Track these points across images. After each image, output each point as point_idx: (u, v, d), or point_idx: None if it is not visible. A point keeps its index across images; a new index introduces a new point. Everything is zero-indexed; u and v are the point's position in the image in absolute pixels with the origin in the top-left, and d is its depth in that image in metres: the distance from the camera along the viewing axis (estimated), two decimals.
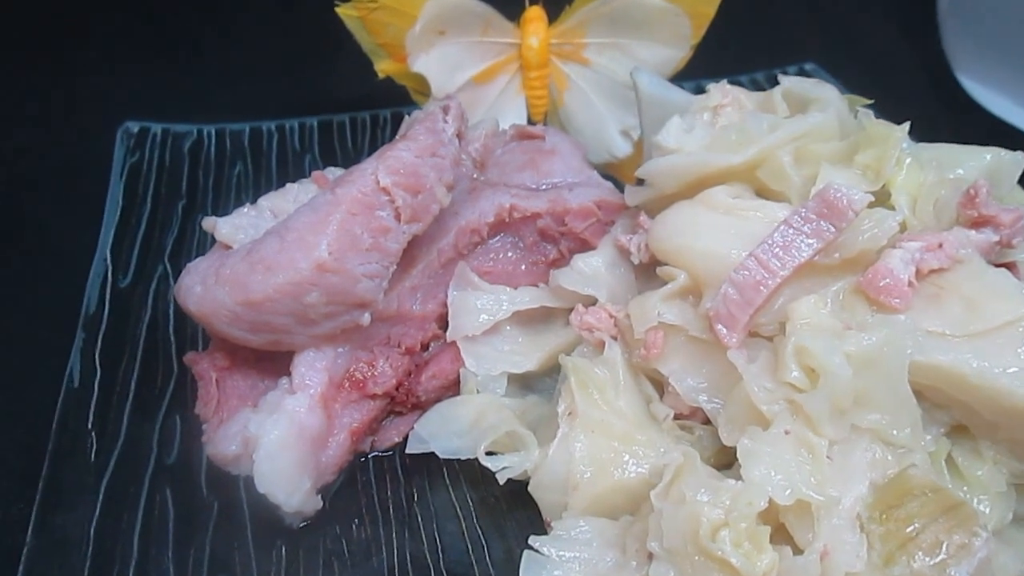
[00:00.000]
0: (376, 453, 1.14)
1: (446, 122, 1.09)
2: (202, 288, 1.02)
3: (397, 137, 1.08)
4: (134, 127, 1.67)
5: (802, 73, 2.02)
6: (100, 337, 1.24)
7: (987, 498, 0.94)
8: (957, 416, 0.95)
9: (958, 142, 1.89)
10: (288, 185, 1.17)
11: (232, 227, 1.11)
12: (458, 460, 1.10)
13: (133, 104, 1.73)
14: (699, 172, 1.06)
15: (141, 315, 1.30)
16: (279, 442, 0.98)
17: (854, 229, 0.96)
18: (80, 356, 1.20)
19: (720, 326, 0.96)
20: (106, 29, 2.05)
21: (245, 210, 1.14)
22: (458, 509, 1.08)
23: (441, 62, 1.52)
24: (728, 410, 0.95)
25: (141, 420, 1.14)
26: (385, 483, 1.11)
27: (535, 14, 1.55)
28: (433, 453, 1.09)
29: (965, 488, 0.95)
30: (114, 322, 1.27)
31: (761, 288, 0.94)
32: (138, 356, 1.23)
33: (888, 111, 1.80)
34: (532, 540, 0.93)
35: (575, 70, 1.58)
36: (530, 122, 1.61)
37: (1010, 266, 1.04)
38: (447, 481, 1.11)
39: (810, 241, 0.94)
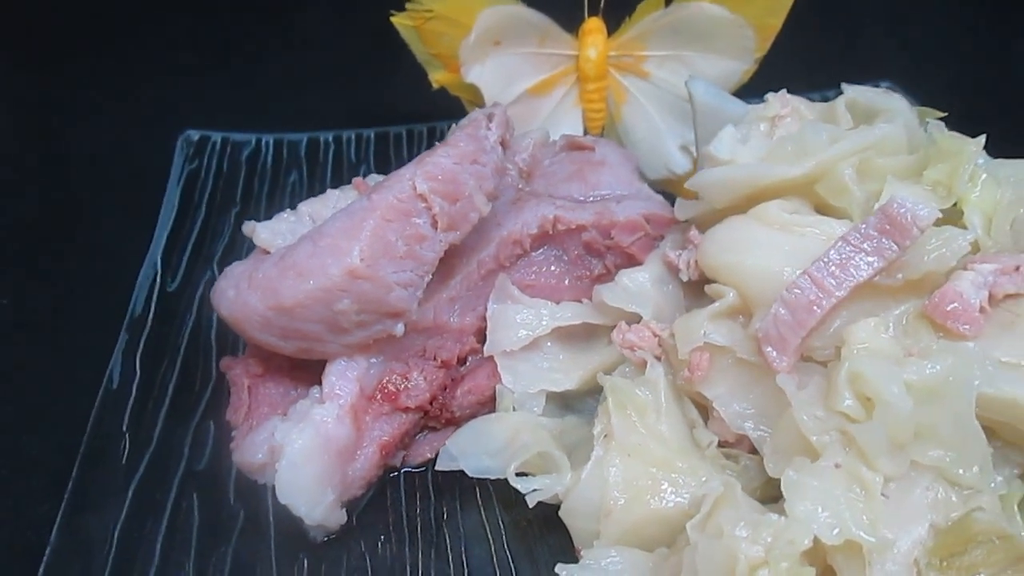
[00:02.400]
0: (407, 469, 1.11)
1: (489, 129, 1.06)
2: (235, 292, 1.00)
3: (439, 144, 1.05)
4: (195, 135, 1.69)
5: None
6: (143, 340, 1.24)
7: None
8: None
9: None
10: (329, 191, 1.15)
11: (271, 232, 1.10)
12: (491, 480, 1.05)
13: (196, 113, 1.75)
14: (753, 185, 1.00)
15: (185, 320, 1.29)
16: (303, 452, 0.95)
17: (920, 248, 0.89)
18: (121, 358, 1.20)
19: (769, 348, 0.90)
20: (173, 41, 2.10)
21: (285, 215, 1.12)
22: (488, 531, 1.03)
23: (496, 73, 1.49)
24: (775, 439, 0.89)
25: (175, 424, 1.13)
26: (415, 500, 1.07)
27: (594, 25, 1.51)
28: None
29: None
30: (158, 326, 1.27)
31: (815, 309, 0.88)
32: (178, 360, 1.23)
33: (968, 132, 1.71)
34: (559, 569, 0.87)
35: (634, 83, 1.54)
36: (586, 134, 1.57)
37: None
38: (479, 501, 1.07)
39: (870, 259, 0.87)
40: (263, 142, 1.72)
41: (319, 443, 0.97)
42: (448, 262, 1.10)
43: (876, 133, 0.99)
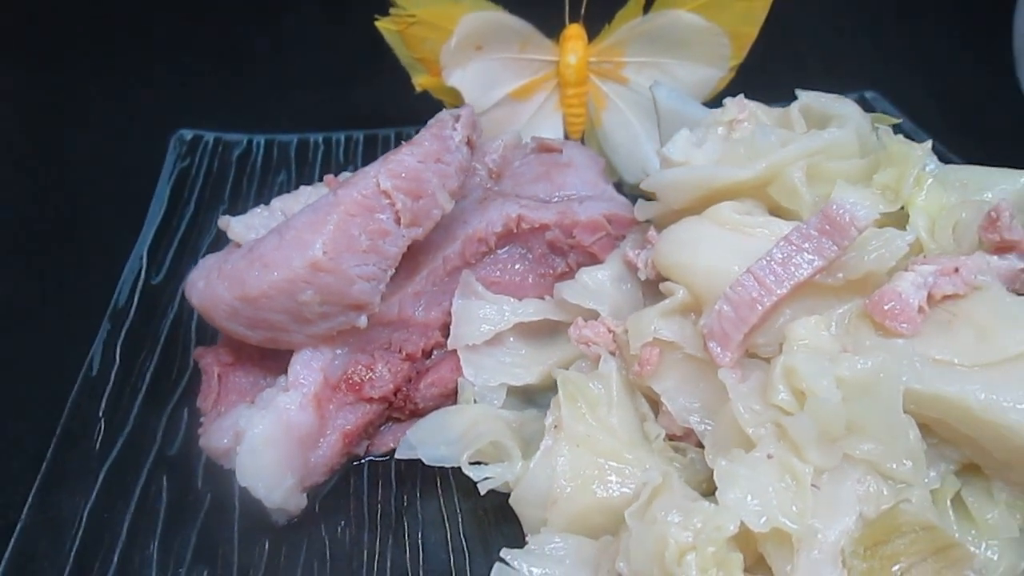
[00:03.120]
0: (371, 458, 1.14)
1: (454, 130, 1.09)
2: (205, 283, 1.04)
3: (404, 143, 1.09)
4: (187, 134, 1.74)
5: (863, 101, 1.95)
6: (124, 330, 1.28)
7: (996, 544, 0.87)
8: (968, 454, 0.89)
9: None
10: (302, 187, 1.19)
11: (244, 226, 1.14)
12: (453, 470, 1.08)
13: (190, 113, 1.79)
14: (706, 186, 1.03)
15: (167, 312, 1.33)
16: (263, 437, 0.98)
17: (861, 249, 0.91)
18: (102, 346, 1.24)
19: (713, 344, 0.92)
20: (170, 42, 2.15)
21: (259, 211, 1.16)
22: (446, 519, 1.06)
23: (477, 77, 1.53)
24: (715, 431, 0.92)
25: (150, 411, 1.17)
26: (377, 488, 1.10)
27: (574, 32, 1.54)
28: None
29: (973, 532, 0.88)
30: (140, 317, 1.31)
31: (756, 306, 0.90)
32: (157, 350, 1.26)
33: (955, 142, 1.73)
34: (504, 553, 0.90)
35: (613, 89, 1.57)
36: (566, 139, 1.60)
37: None
38: (439, 490, 1.10)
39: (810, 258, 0.90)
40: (254, 142, 1.76)
41: (280, 429, 1.00)
42: (414, 258, 1.13)
43: (825, 137, 1.01)
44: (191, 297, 1.06)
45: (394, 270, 1.05)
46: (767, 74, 1.50)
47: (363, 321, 1.05)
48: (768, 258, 0.91)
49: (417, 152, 1.05)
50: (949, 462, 0.90)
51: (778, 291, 0.90)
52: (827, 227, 0.89)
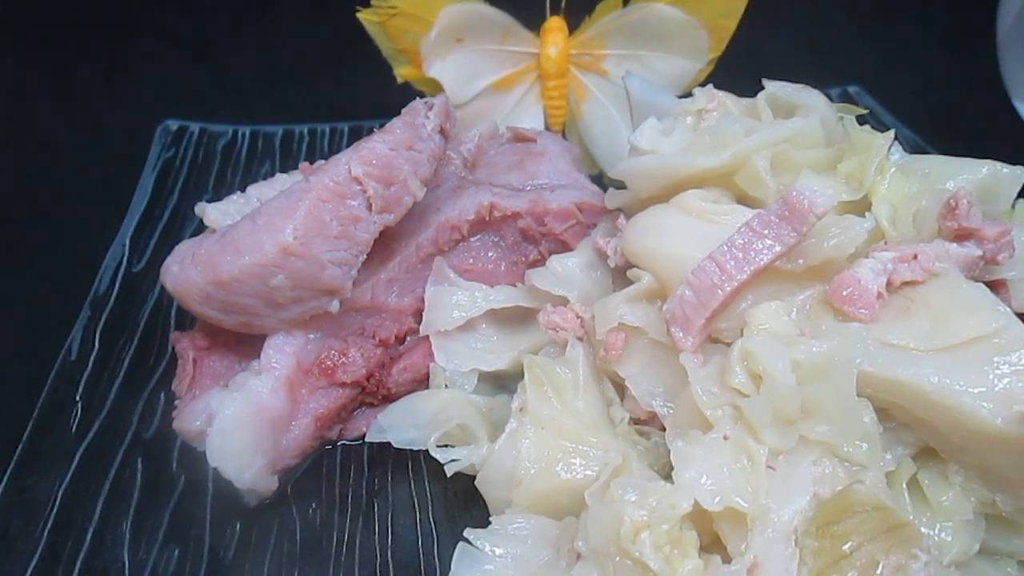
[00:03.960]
0: (344, 442, 1.15)
1: (427, 118, 1.10)
2: (179, 267, 1.06)
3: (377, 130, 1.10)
4: (173, 125, 1.76)
5: (846, 95, 1.97)
6: (104, 316, 1.30)
7: (951, 525, 0.89)
8: (924, 437, 0.90)
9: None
10: (278, 175, 1.21)
11: (220, 213, 1.15)
12: (425, 455, 1.10)
13: (177, 103, 1.81)
14: (673, 175, 1.04)
15: (147, 298, 1.35)
16: (234, 419, 1.00)
17: (821, 235, 0.93)
18: (82, 332, 1.26)
19: (676, 328, 0.94)
20: (158, 33, 2.16)
21: (234, 197, 1.18)
22: (416, 502, 1.08)
23: (457, 69, 1.54)
24: (676, 414, 0.93)
25: (127, 395, 1.19)
26: (349, 472, 1.12)
27: (555, 24, 1.56)
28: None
29: (928, 514, 0.89)
30: (120, 303, 1.33)
31: (717, 291, 0.92)
32: (136, 336, 1.28)
33: (936, 137, 1.74)
34: (468, 533, 0.92)
35: (593, 81, 1.58)
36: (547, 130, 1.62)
37: (998, 284, 0.98)
38: (410, 474, 1.11)
39: (770, 244, 0.91)
40: (239, 133, 1.78)
41: (252, 411, 1.01)
42: (388, 245, 1.15)
43: (790, 127, 1.03)
44: (166, 282, 1.07)
45: (365, 256, 1.06)
46: (752, 68, 1.51)
47: (335, 306, 1.06)
48: (729, 244, 0.92)
49: (389, 140, 1.07)
50: (906, 446, 0.91)
51: (739, 276, 0.91)
52: (787, 213, 0.91)
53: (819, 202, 0.89)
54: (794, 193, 0.90)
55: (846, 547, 0.79)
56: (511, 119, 1.59)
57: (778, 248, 0.91)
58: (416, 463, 1.12)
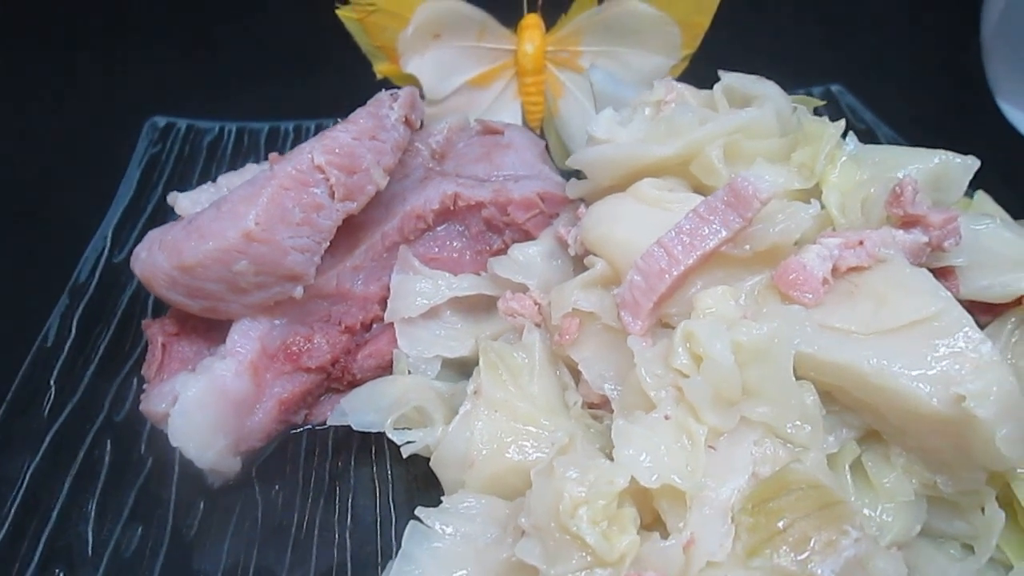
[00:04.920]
0: (310, 426, 1.17)
1: (391, 108, 1.13)
2: (147, 253, 1.08)
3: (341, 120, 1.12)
4: (161, 121, 1.80)
5: (827, 94, 1.98)
6: (83, 304, 1.33)
7: (892, 507, 0.90)
8: (868, 420, 0.92)
9: (991, 167, 1.83)
10: (248, 165, 1.24)
11: (191, 201, 1.18)
12: (389, 440, 1.11)
13: (165, 100, 1.84)
14: (629, 164, 1.06)
15: (126, 288, 1.37)
16: (196, 400, 1.02)
17: (768, 221, 0.94)
18: (59, 319, 1.29)
19: (625, 312, 0.96)
20: (148, 30, 2.20)
21: (206, 187, 1.21)
22: (376, 485, 1.10)
23: (435, 65, 1.57)
24: (623, 396, 0.95)
25: (100, 381, 1.21)
26: (313, 455, 1.14)
27: (531, 21, 1.58)
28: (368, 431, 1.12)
29: (871, 495, 0.91)
30: (99, 292, 1.36)
31: (665, 276, 0.93)
32: (113, 324, 1.31)
33: (921, 136, 1.75)
34: (419, 511, 0.94)
35: (570, 77, 1.60)
36: (528, 127, 1.64)
37: (947, 271, 1.00)
38: (372, 458, 1.13)
39: (716, 229, 0.93)
40: (226, 130, 1.81)
41: (214, 393, 1.04)
42: (354, 234, 1.17)
43: (743, 116, 1.04)
44: (134, 267, 1.10)
45: (328, 243, 1.09)
46: (735, 66, 1.52)
47: (299, 292, 1.09)
48: (677, 230, 0.94)
49: (352, 129, 1.09)
50: (850, 428, 0.93)
51: (685, 261, 0.93)
52: (732, 199, 0.92)
53: (763, 188, 0.91)
54: (739, 179, 0.92)
55: (780, 523, 0.80)
56: (489, 115, 1.62)
57: (724, 233, 0.93)
58: (379, 447, 1.14)
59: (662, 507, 0.85)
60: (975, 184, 1.53)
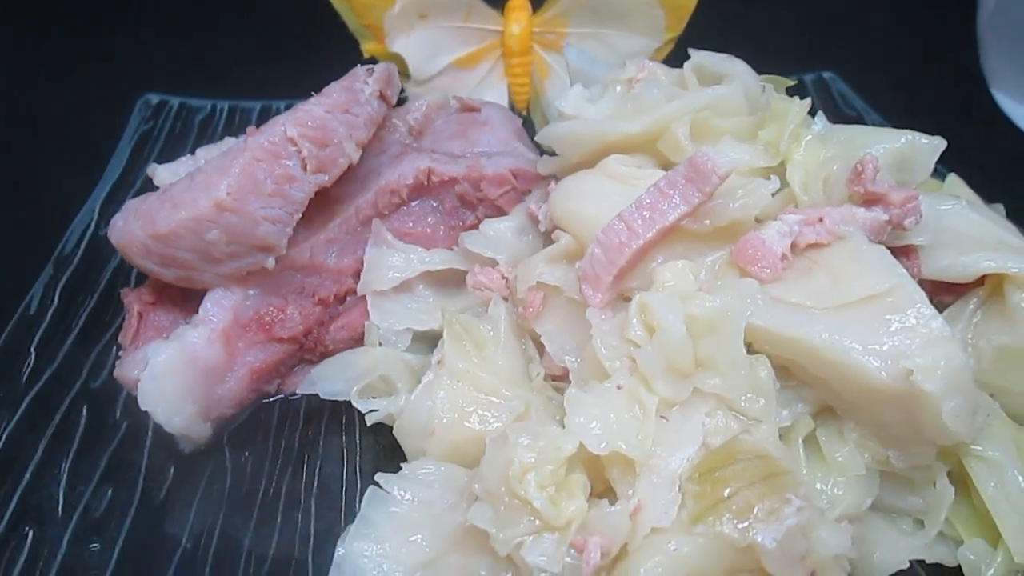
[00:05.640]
0: (282, 396, 1.19)
1: (366, 83, 1.14)
2: (123, 222, 1.10)
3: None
4: (154, 99, 1.81)
5: (820, 81, 1.98)
6: (67, 275, 1.35)
7: (844, 480, 0.91)
8: (823, 395, 0.93)
9: (983, 156, 1.82)
10: (226, 138, 1.25)
11: (169, 173, 1.20)
12: (358, 410, 1.13)
13: (159, 77, 1.86)
14: (598, 140, 1.07)
15: (110, 260, 1.39)
16: (166, 365, 1.04)
17: (728, 197, 0.95)
18: (43, 288, 1.31)
19: (586, 285, 0.97)
20: (146, 6, 2.22)
21: (184, 159, 1.22)
22: (344, 453, 1.12)
23: (421, 45, 1.58)
24: (580, 367, 0.96)
25: (80, 348, 1.23)
26: (285, 424, 1.16)
27: (518, 3, 1.60)
28: (339, 401, 1.13)
29: (823, 469, 0.92)
30: (84, 264, 1.38)
31: (625, 249, 0.95)
32: (96, 294, 1.33)
33: (912, 123, 1.75)
34: (378, 477, 0.95)
35: (556, 59, 1.62)
36: (513, 109, 1.65)
37: (909, 250, 1.00)
38: (342, 428, 1.15)
39: (676, 203, 0.94)
40: (218, 108, 1.83)
41: (185, 360, 1.06)
42: (330, 207, 1.19)
43: (710, 94, 1.05)
44: (111, 236, 1.12)
45: (300, 214, 1.10)
46: (728, 51, 1.53)
47: (270, 262, 1.10)
48: (637, 204, 0.95)
49: (325, 103, 1.11)
50: (806, 403, 0.94)
51: (645, 234, 0.94)
52: (692, 174, 0.93)
53: (721, 163, 0.92)
54: (699, 155, 0.93)
55: (725, 492, 0.81)
56: (476, 96, 1.62)
57: (684, 208, 0.94)
58: (350, 418, 1.15)
59: (613, 475, 0.86)
60: (968, 171, 1.54)
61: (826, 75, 1.99)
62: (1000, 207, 1.25)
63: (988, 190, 1.55)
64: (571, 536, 0.81)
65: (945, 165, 1.56)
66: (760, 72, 1.84)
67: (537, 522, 0.82)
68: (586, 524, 0.82)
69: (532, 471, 0.83)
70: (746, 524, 0.80)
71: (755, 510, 0.80)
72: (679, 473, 0.85)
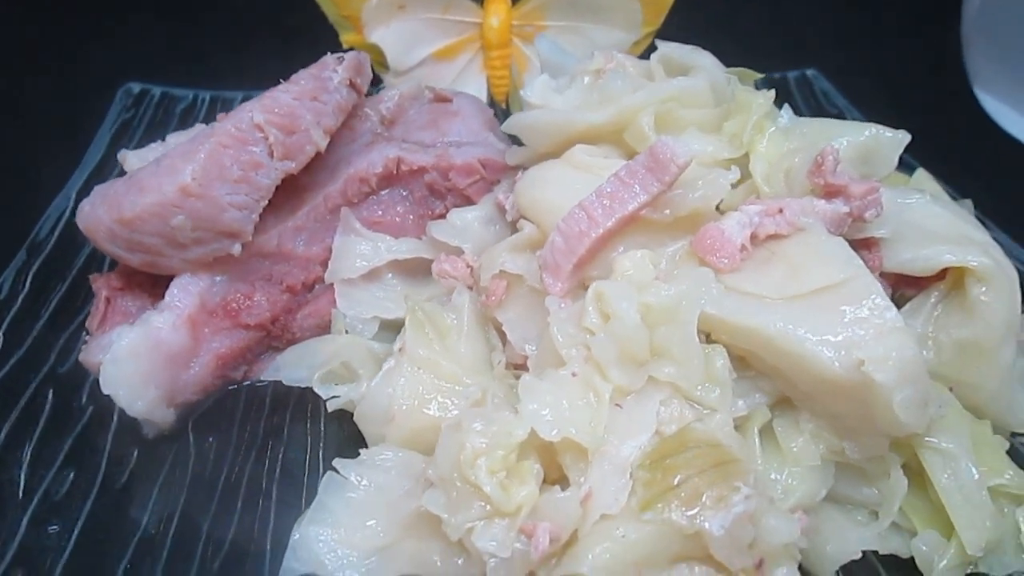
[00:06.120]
0: (249, 383, 1.19)
1: (335, 71, 1.14)
2: (90, 207, 1.10)
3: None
4: (135, 88, 1.82)
5: (803, 78, 1.99)
6: (40, 260, 1.35)
7: (798, 471, 0.91)
8: (780, 386, 0.93)
9: (963, 153, 1.82)
10: (197, 125, 1.25)
11: (139, 159, 1.20)
12: (324, 398, 1.13)
13: (143, 67, 1.87)
14: (562, 130, 1.07)
15: (84, 247, 1.39)
16: (128, 349, 1.04)
17: (688, 187, 0.95)
18: (15, 273, 1.31)
19: (546, 274, 0.97)
20: None
21: (155, 145, 1.23)
22: (309, 441, 1.12)
23: (400, 36, 1.58)
24: (538, 355, 0.96)
25: (49, 333, 1.23)
26: (251, 411, 1.16)
27: None
28: (305, 389, 1.13)
29: (779, 460, 0.92)
30: (57, 250, 1.38)
31: (584, 238, 0.95)
32: (67, 281, 1.33)
33: (895, 121, 1.76)
34: (336, 463, 0.95)
35: (535, 52, 1.61)
36: (492, 101, 1.65)
37: (871, 243, 1.01)
38: (308, 415, 1.15)
39: (636, 192, 0.94)
40: (200, 98, 1.83)
41: (148, 344, 1.06)
42: (299, 195, 1.19)
43: (675, 85, 1.05)
44: (79, 221, 1.12)
45: (267, 201, 1.10)
46: (712, 48, 1.53)
47: (237, 249, 1.10)
48: (598, 193, 0.95)
49: (293, 90, 1.11)
50: (764, 394, 0.94)
51: (605, 223, 0.94)
52: (652, 164, 0.93)
53: (680, 153, 0.92)
54: (658, 144, 0.93)
55: (675, 479, 0.82)
56: (456, 87, 1.62)
57: (643, 197, 0.94)
58: (316, 406, 1.15)
59: (566, 462, 0.87)
60: (949, 169, 1.54)
61: (809, 73, 1.99)
62: (968, 203, 1.26)
63: (970, 188, 1.56)
64: (521, 522, 0.81)
65: (927, 163, 1.57)
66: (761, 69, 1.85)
67: (488, 508, 0.82)
68: (537, 510, 0.82)
69: (483, 456, 0.83)
70: (694, 511, 0.80)
71: (704, 497, 0.80)
72: (631, 460, 0.85)
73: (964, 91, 2.00)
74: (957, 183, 1.49)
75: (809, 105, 1.90)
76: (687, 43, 1.55)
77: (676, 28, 1.62)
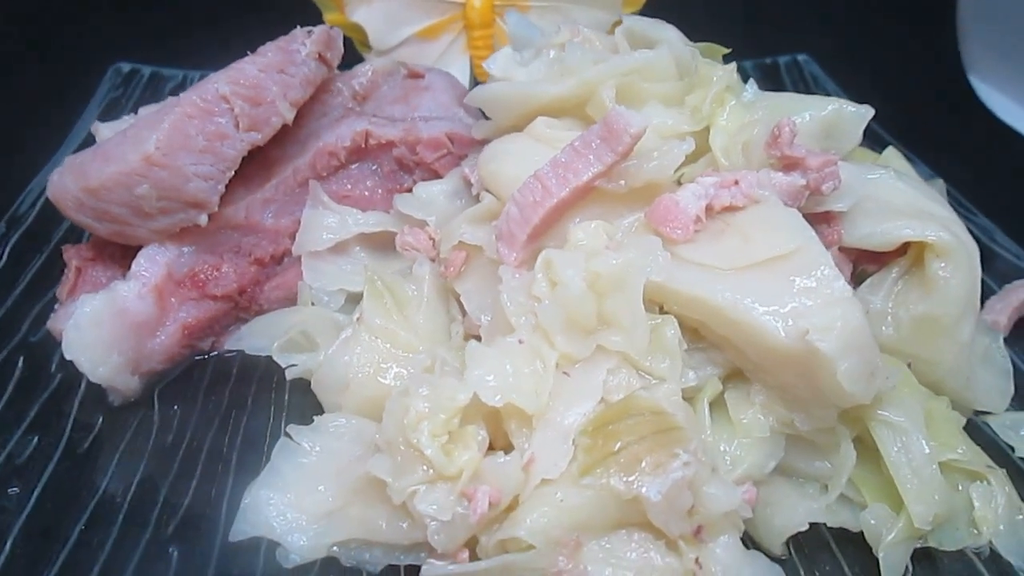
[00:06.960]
0: (218, 353, 1.20)
1: (303, 44, 1.15)
2: (58, 176, 1.12)
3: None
4: (125, 67, 1.84)
5: (794, 64, 1.98)
6: (19, 233, 1.37)
7: (747, 442, 0.91)
8: (732, 357, 0.93)
9: (955, 140, 1.80)
10: (169, 98, 1.25)
11: (112, 131, 1.21)
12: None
13: (135, 46, 1.88)
14: (524, 102, 1.07)
15: (64, 222, 1.41)
16: (91, 315, 1.05)
17: (643, 158, 0.95)
18: None
19: (501, 244, 0.97)
20: None
21: (127, 117, 1.24)
22: (272, 409, 1.13)
23: (382, 15, 1.59)
24: (490, 323, 0.96)
25: (23, 303, 1.25)
26: (217, 381, 1.17)
27: None
28: (272, 359, 1.14)
29: (729, 430, 0.92)
30: (37, 223, 1.40)
31: (539, 208, 0.95)
32: (45, 253, 1.35)
33: (887, 106, 1.74)
34: (290, 429, 0.96)
35: None
36: (476, 81, 1.66)
37: (830, 217, 1.00)
38: (273, 386, 1.16)
39: (591, 162, 0.94)
40: (189, 77, 1.84)
41: (112, 311, 1.07)
42: (269, 168, 1.20)
43: (637, 58, 1.05)
44: (48, 190, 1.13)
45: (232, 172, 1.11)
46: (704, 33, 1.53)
47: (203, 219, 1.11)
48: (552, 163, 0.95)
49: (259, 62, 1.12)
50: (716, 366, 0.94)
51: (559, 193, 0.94)
52: (606, 134, 0.93)
53: (634, 122, 0.91)
54: (612, 113, 0.92)
55: (616, 446, 0.82)
56: (439, 67, 1.63)
57: (597, 167, 0.94)
58: (281, 377, 1.15)
59: (511, 428, 0.87)
60: (942, 156, 1.53)
61: (800, 58, 1.99)
62: (940, 183, 1.25)
63: (961, 175, 1.55)
64: (462, 486, 0.82)
65: (919, 150, 1.56)
66: (737, 54, 1.84)
67: (431, 472, 0.83)
68: (479, 474, 0.83)
69: (426, 420, 0.83)
70: (633, 477, 0.80)
71: (643, 463, 0.80)
72: (575, 427, 0.85)
73: (959, 79, 1.98)
74: (949, 170, 1.48)
75: (799, 90, 1.89)
76: (680, 28, 1.56)
77: (661, 11, 1.61)
